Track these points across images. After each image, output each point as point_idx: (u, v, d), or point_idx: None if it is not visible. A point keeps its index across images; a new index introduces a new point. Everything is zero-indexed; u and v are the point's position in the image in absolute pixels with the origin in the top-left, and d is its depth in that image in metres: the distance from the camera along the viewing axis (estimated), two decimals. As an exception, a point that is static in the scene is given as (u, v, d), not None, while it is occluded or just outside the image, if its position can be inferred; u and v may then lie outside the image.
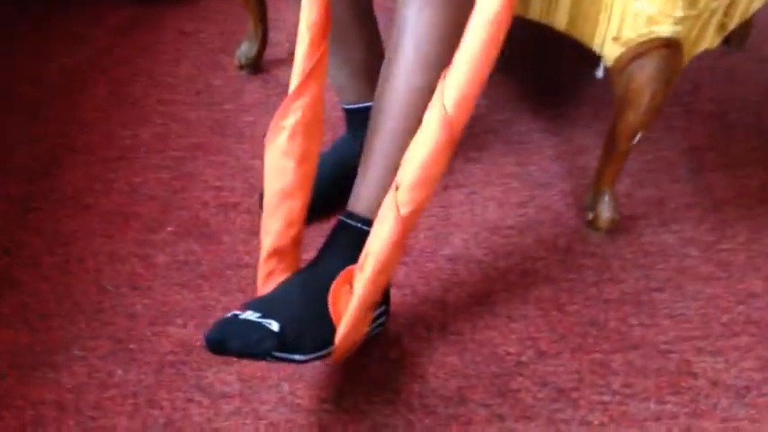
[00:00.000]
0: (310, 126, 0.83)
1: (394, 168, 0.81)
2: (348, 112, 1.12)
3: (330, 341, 0.80)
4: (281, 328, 0.76)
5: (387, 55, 0.86)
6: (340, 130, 1.17)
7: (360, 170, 0.88)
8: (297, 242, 0.86)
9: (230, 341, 0.74)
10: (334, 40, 1.04)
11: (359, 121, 1.10)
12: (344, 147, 1.12)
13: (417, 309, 1.00)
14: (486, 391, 0.90)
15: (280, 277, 0.85)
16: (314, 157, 0.85)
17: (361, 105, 1.10)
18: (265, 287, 0.85)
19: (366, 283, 0.78)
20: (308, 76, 0.81)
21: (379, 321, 0.90)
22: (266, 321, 0.76)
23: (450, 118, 0.74)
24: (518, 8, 1.05)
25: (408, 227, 0.78)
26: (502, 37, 0.74)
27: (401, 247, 0.79)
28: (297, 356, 0.77)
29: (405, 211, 0.76)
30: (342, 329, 0.80)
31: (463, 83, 0.73)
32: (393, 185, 0.77)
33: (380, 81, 0.86)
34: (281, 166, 0.82)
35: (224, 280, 1.02)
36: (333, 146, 1.14)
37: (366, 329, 0.85)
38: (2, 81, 1.33)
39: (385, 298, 0.91)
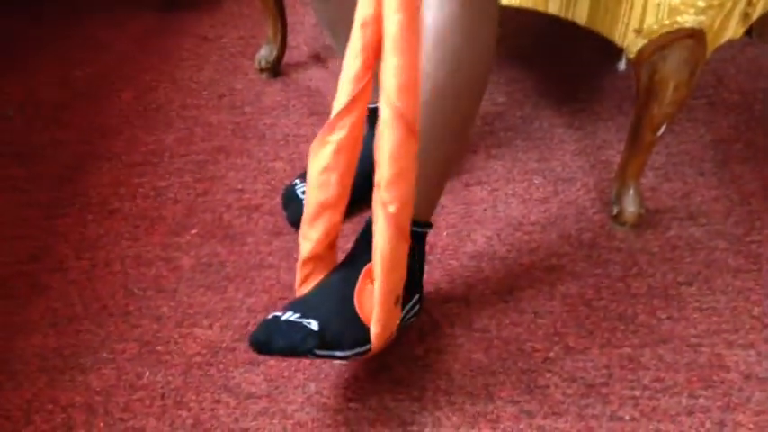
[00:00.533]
0: (355, 142, 0.83)
1: (420, 168, 0.82)
2: (368, 110, 1.12)
3: (367, 339, 0.82)
4: (320, 326, 0.79)
5: None
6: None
7: None
8: (333, 246, 0.87)
9: (275, 341, 0.78)
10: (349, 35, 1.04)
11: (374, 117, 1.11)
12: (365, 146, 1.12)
13: (441, 306, 0.99)
14: (514, 388, 0.90)
15: (316, 278, 0.86)
16: (354, 169, 0.85)
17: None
18: (303, 288, 0.87)
19: (380, 284, 0.79)
20: (358, 95, 0.80)
21: (413, 311, 0.91)
22: (306, 321, 0.79)
23: (399, 108, 0.73)
24: (538, 3, 1.04)
25: (401, 222, 0.77)
26: (416, 11, 0.72)
27: (402, 242, 0.79)
28: (338, 353, 0.80)
29: (392, 208, 0.76)
30: (373, 329, 0.81)
31: (396, 69, 0.73)
32: (375, 184, 0.78)
33: None
34: (324, 179, 0.83)
35: (248, 281, 1.02)
36: None
37: (397, 322, 0.85)
38: (27, 88, 1.34)
39: (418, 288, 0.91)
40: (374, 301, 0.80)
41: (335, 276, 0.86)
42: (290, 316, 0.80)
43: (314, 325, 0.79)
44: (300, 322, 0.79)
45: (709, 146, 1.22)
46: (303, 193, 1.09)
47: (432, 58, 0.81)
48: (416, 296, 0.91)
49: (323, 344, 0.79)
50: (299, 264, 0.86)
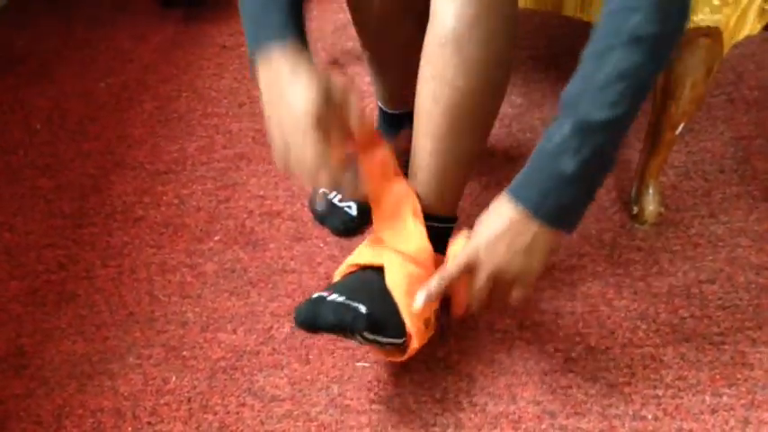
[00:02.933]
0: None
1: (444, 165, 0.84)
2: (391, 115, 1.13)
3: (403, 332, 0.83)
4: (368, 310, 0.80)
5: (424, 51, 0.84)
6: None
7: (411, 169, 0.89)
8: None
9: (323, 318, 0.79)
10: (402, 62, 1.05)
11: (397, 121, 1.12)
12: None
13: (463, 308, 1.00)
14: (536, 388, 0.90)
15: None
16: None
17: (404, 111, 1.11)
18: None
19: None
20: None
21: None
22: (354, 303, 0.80)
23: None
24: (553, 4, 1.05)
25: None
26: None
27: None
28: (381, 338, 0.82)
29: None
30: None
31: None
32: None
33: (421, 81, 0.85)
34: None
35: (271, 286, 1.04)
36: None
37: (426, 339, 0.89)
38: (53, 100, 1.37)
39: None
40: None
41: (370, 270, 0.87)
42: (336, 297, 0.81)
43: (362, 308, 0.80)
44: (349, 304, 0.80)
45: (730, 143, 1.22)
46: (340, 201, 1.10)
47: (450, 64, 0.81)
48: None
49: (371, 327, 0.80)
50: (351, 261, 0.89)
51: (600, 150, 0.72)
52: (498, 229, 0.75)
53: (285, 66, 0.76)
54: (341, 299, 0.81)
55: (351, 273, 0.88)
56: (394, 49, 1.06)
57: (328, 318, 0.79)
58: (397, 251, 0.85)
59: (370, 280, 0.86)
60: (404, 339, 0.84)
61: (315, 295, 0.82)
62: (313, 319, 0.79)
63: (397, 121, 1.13)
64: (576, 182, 0.72)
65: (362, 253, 0.88)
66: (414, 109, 1.12)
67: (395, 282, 0.83)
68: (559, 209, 0.74)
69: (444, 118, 0.83)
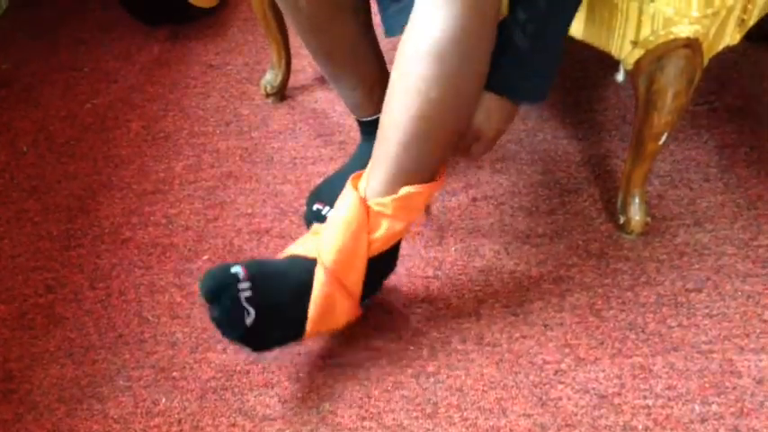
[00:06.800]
0: None
1: (400, 175, 0.86)
2: (365, 123, 1.13)
3: (300, 332, 0.89)
4: (253, 323, 0.85)
5: (399, 56, 0.84)
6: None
7: (370, 170, 0.89)
8: None
9: (213, 309, 0.85)
10: (347, 61, 1.05)
11: (374, 128, 1.13)
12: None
13: (452, 322, 1.00)
14: (527, 401, 0.90)
15: None
16: None
17: (378, 117, 1.12)
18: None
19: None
20: None
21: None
22: (248, 309, 0.84)
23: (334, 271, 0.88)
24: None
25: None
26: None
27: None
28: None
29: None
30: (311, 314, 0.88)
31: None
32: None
33: (392, 87, 0.85)
34: None
35: (260, 304, 1.04)
36: (357, 157, 1.15)
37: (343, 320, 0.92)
38: (38, 121, 1.37)
39: (392, 260, 0.96)
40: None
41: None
42: (242, 288, 0.85)
43: (248, 319, 0.85)
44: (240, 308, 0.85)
45: (714, 151, 1.23)
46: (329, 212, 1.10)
47: (427, 77, 0.81)
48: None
49: (249, 340, 0.86)
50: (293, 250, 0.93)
51: None
52: None
53: None
54: (243, 295, 0.85)
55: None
56: (334, 51, 1.06)
57: (214, 311, 0.85)
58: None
59: (293, 275, 0.89)
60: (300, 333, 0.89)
61: (233, 269, 0.86)
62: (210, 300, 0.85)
63: (374, 127, 1.13)
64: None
65: (306, 243, 0.92)
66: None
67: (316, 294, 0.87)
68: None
69: (412, 127, 0.83)
